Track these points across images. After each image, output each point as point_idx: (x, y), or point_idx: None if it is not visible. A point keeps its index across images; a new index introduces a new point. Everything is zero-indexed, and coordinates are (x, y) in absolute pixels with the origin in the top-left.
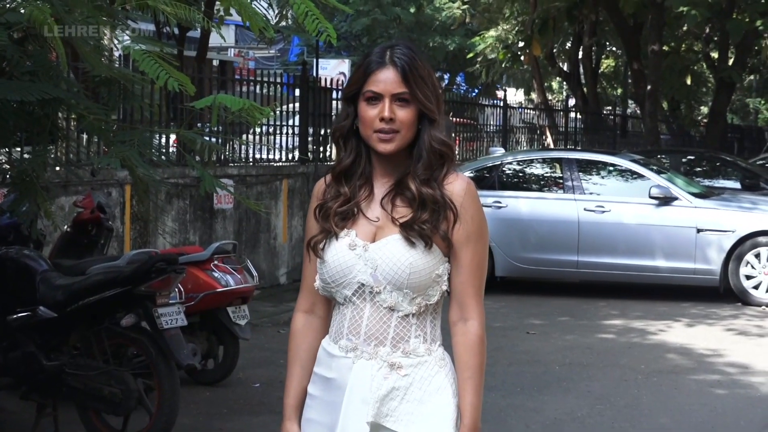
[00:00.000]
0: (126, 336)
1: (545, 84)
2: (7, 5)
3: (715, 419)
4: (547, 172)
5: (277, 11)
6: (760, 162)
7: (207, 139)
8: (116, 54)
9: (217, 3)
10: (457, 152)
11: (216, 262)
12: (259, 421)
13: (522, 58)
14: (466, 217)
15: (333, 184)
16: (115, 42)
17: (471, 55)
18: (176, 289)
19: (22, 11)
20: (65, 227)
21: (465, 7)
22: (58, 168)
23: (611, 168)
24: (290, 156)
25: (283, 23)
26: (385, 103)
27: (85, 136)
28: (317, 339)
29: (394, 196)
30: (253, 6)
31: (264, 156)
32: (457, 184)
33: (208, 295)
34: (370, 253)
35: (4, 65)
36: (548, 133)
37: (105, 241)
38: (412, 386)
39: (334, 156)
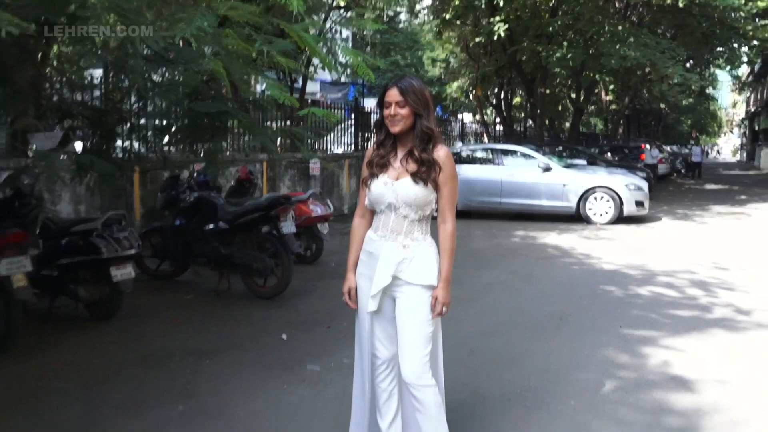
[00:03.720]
0: (265, 237)
1: (483, 110)
2: (200, 62)
3: (573, 281)
4: (484, 156)
5: (342, 61)
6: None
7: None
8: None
9: (314, 60)
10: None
11: (311, 200)
12: (336, 282)
13: (471, 96)
14: (445, 169)
15: (376, 150)
16: (257, 78)
17: (446, 95)
18: (291, 214)
19: (208, 65)
20: (232, 182)
21: (441, 70)
22: (228, 152)
23: (518, 153)
24: (349, 149)
25: (344, 75)
26: (392, 106)
27: (240, 133)
28: (365, 230)
29: (408, 158)
30: (328, 59)
31: (335, 149)
32: (441, 151)
33: (307, 217)
34: (394, 187)
35: (199, 94)
36: (485, 137)
37: (253, 190)
38: (414, 257)
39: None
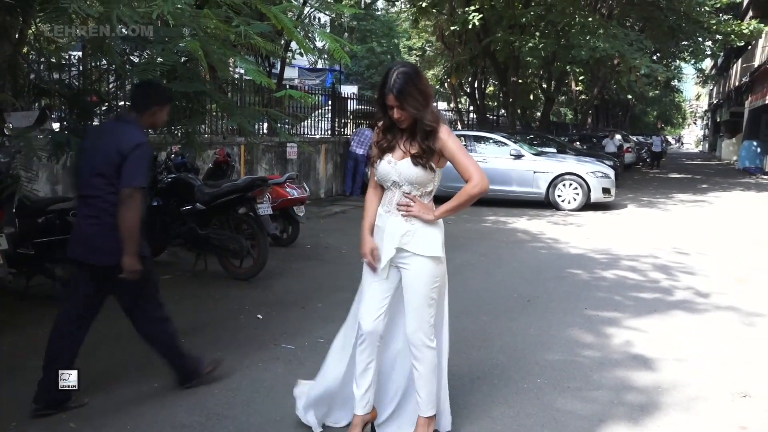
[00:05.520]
0: (241, 218)
1: (458, 99)
2: (180, 43)
3: (541, 264)
4: None
5: (320, 46)
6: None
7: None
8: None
9: (292, 45)
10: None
11: (287, 183)
12: (312, 264)
13: (446, 84)
14: (451, 145)
15: (382, 134)
16: (236, 62)
17: None
18: (267, 196)
19: (186, 47)
20: (210, 164)
21: (416, 58)
22: (206, 135)
23: (491, 140)
24: (326, 133)
25: (320, 60)
26: (393, 110)
27: (218, 116)
28: (376, 199)
29: (410, 143)
30: (305, 43)
31: (313, 134)
32: (442, 134)
33: (283, 200)
34: (397, 166)
35: (176, 74)
36: (459, 124)
37: (230, 172)
38: (417, 230)
39: (348, 133)
